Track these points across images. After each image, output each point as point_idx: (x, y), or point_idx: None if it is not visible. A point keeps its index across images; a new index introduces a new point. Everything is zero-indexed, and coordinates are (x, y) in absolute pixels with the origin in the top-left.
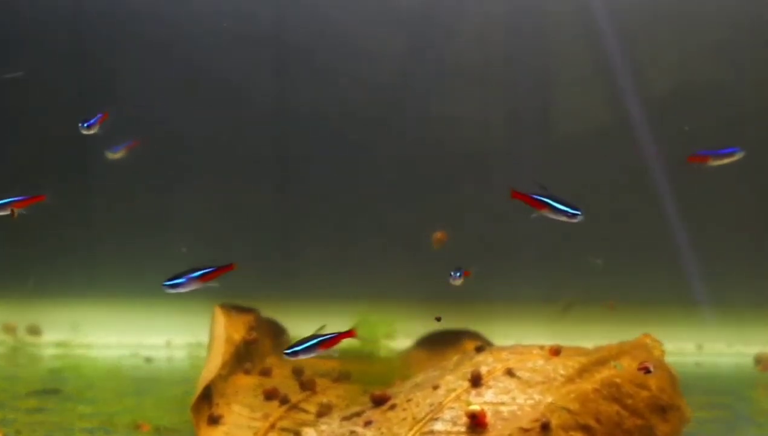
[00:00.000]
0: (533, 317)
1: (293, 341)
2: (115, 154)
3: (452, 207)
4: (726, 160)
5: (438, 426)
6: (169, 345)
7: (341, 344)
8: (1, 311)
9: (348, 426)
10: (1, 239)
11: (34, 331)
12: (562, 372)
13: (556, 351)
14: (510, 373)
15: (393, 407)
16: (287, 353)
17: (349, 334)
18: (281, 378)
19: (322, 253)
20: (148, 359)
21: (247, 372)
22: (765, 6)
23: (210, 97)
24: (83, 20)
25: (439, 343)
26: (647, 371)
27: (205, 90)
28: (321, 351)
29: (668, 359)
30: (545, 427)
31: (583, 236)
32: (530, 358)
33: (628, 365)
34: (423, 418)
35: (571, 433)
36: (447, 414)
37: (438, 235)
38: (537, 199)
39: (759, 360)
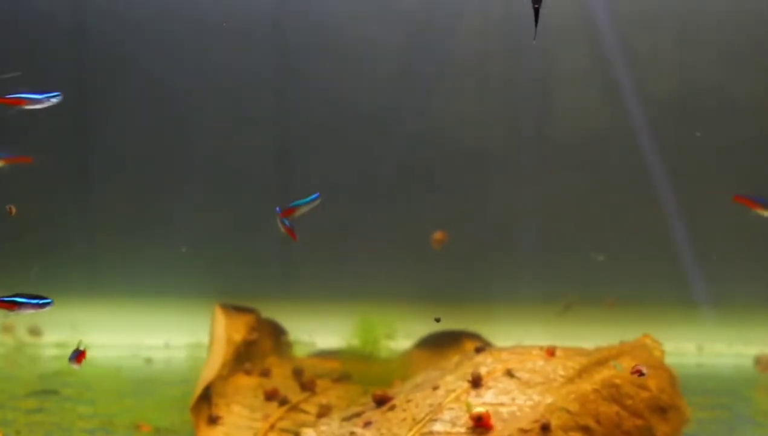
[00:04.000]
0: (533, 317)
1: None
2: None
3: (452, 207)
4: None
5: (437, 427)
6: (169, 346)
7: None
8: (1, 311)
9: (348, 427)
10: (1, 239)
11: (34, 331)
12: (561, 373)
13: (551, 352)
14: (510, 374)
15: (393, 407)
16: None
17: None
18: (281, 379)
19: (322, 253)
20: (148, 360)
21: (247, 372)
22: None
23: (209, 95)
24: (82, 18)
25: (438, 344)
26: (640, 374)
27: (204, 88)
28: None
29: (668, 360)
30: (545, 428)
31: (584, 236)
32: (530, 358)
33: (627, 365)
34: (422, 419)
35: (571, 434)
36: (446, 415)
37: (438, 235)
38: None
39: (759, 361)
